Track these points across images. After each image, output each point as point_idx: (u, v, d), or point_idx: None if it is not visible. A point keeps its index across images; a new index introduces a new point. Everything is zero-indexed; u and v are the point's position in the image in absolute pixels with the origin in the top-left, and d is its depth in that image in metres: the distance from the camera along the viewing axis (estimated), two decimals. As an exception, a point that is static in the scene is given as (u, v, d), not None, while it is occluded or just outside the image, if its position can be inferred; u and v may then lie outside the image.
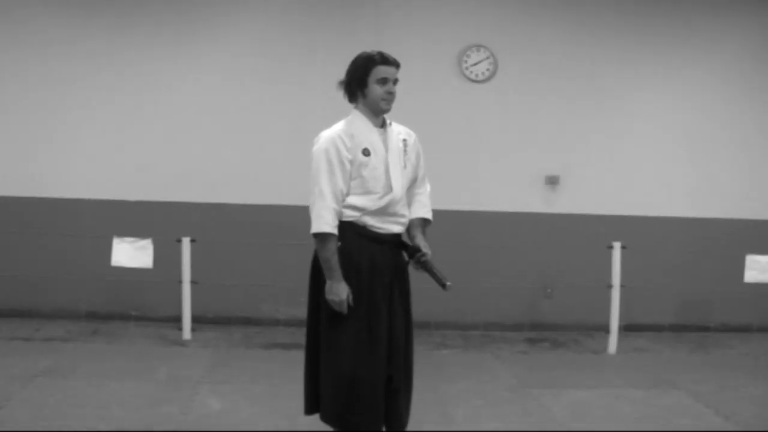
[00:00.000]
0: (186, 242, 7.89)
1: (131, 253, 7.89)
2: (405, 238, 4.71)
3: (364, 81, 4.59)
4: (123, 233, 7.96)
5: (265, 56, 8.81)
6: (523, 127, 8.98)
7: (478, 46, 8.88)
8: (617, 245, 7.99)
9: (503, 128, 8.97)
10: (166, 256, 7.92)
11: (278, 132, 8.77)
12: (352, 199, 4.47)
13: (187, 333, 8.03)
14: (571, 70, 8.99)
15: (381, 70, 4.58)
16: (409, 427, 4.68)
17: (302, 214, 8.79)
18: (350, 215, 4.47)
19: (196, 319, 8.14)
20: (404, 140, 4.81)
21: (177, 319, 8.08)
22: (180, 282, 7.91)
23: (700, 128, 9.14)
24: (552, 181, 8.95)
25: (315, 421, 4.69)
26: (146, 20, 8.70)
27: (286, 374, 6.66)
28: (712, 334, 9.04)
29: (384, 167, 4.57)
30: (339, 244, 4.41)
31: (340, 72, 8.91)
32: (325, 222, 4.37)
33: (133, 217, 8.63)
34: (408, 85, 8.77)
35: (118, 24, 8.69)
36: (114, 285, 8.45)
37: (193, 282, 7.92)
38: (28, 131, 8.69)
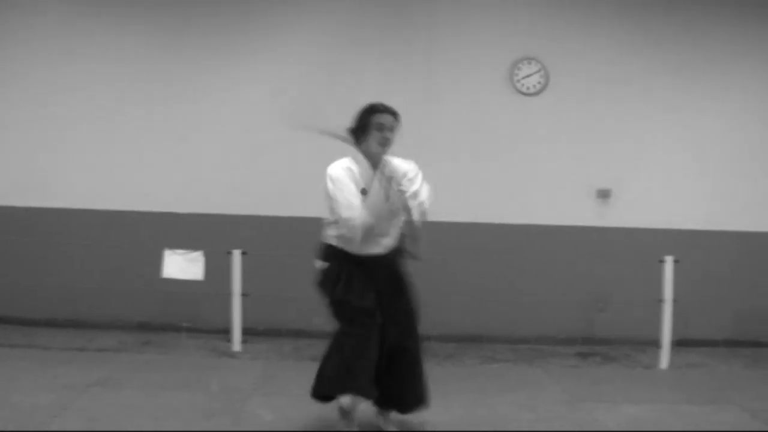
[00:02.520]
0: (236, 254, 7.94)
1: (182, 265, 7.96)
2: None
3: (365, 128, 5.34)
4: (174, 245, 8.04)
5: (316, 69, 8.85)
6: (574, 140, 8.93)
7: (530, 59, 8.86)
8: (669, 259, 7.91)
9: (554, 141, 8.93)
10: (218, 268, 7.98)
11: (328, 145, 8.79)
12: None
13: (237, 345, 8.08)
14: (622, 83, 8.93)
15: (377, 118, 5.31)
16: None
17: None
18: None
19: (246, 331, 8.18)
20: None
21: (228, 331, 8.12)
22: (230, 294, 7.96)
23: (754, 140, 9.00)
24: (603, 194, 8.89)
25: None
26: (200, 33, 8.84)
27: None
28: (767, 350, 8.89)
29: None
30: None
31: (393, 84, 8.98)
32: None
33: (185, 230, 8.72)
34: (458, 97, 8.87)
35: (173, 39, 8.84)
36: (166, 296, 8.52)
37: (244, 294, 7.96)
38: (80, 144, 8.83)
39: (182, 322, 8.83)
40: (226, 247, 8.03)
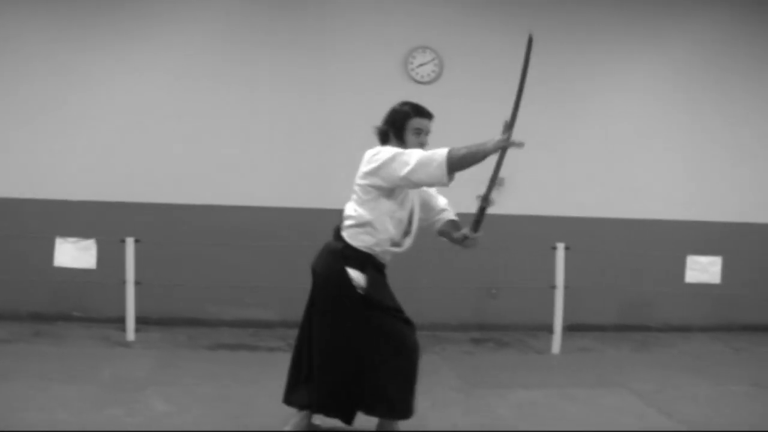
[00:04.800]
0: (130, 242, 7.82)
1: (74, 254, 7.80)
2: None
3: (402, 131, 5.19)
4: (67, 233, 7.87)
5: (211, 57, 8.73)
6: (467, 128, 8.99)
7: (424, 48, 8.91)
8: (561, 246, 8.08)
9: (448, 130, 8.94)
10: (111, 256, 7.85)
11: (223, 133, 8.74)
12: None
13: (131, 334, 7.96)
14: (515, 72, 9.02)
15: (416, 122, 5.22)
16: (351, 428, 4.81)
17: (248, 215, 8.78)
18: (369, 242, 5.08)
19: (140, 321, 8.06)
20: None
21: (121, 320, 7.99)
22: (124, 283, 7.84)
23: (640, 130, 9.28)
24: (496, 182, 8.99)
25: (262, 422, 4.68)
26: (97, 20, 8.60)
27: (232, 375, 6.68)
28: (654, 334, 9.19)
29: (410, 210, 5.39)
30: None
31: (287, 74, 8.94)
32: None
33: (77, 218, 8.52)
34: (353, 86, 8.87)
35: (64, 23, 8.59)
36: (57, 286, 8.34)
37: (137, 283, 7.85)
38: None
39: (74, 312, 8.66)
40: (119, 235, 7.89)
